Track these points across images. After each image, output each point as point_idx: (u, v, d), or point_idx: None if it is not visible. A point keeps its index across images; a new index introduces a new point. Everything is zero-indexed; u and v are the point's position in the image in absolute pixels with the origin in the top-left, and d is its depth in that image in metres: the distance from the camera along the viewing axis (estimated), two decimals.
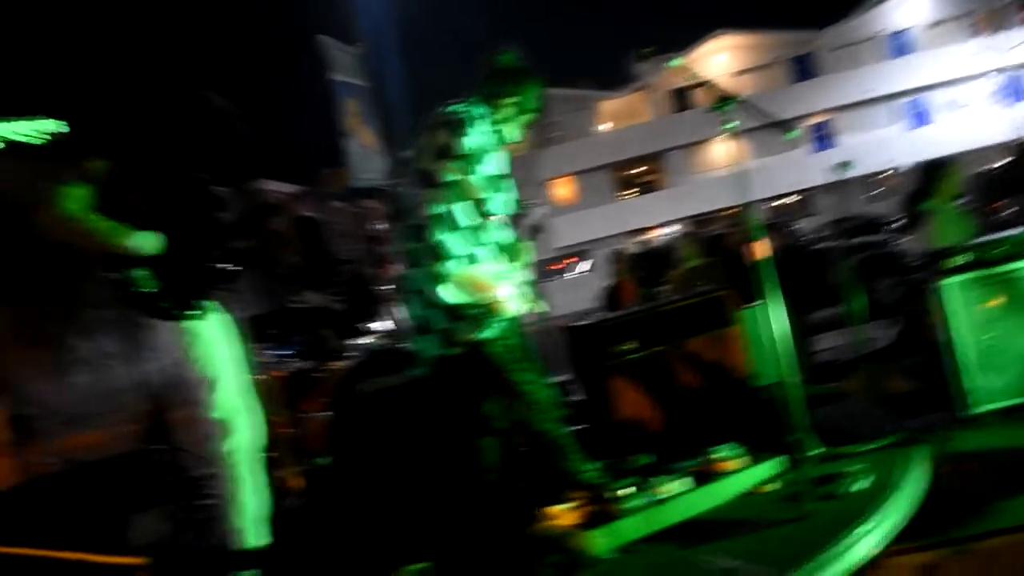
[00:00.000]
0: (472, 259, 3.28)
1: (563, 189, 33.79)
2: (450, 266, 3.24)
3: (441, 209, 3.23)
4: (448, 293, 3.25)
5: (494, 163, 3.35)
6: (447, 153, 3.24)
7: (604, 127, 35.43)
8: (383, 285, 5.45)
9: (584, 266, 31.62)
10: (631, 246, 24.58)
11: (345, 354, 4.76)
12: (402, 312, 5.21)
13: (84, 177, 3.06)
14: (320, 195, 5.97)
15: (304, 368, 4.49)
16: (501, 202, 3.36)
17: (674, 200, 32.03)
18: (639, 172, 34.66)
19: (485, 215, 3.29)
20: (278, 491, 3.39)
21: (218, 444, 3.19)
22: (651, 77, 33.89)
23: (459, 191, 3.24)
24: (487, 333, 3.29)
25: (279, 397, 3.61)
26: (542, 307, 3.65)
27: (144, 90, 3.29)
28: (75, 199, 3.02)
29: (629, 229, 31.62)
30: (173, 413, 4.97)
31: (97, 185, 3.05)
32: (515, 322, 3.40)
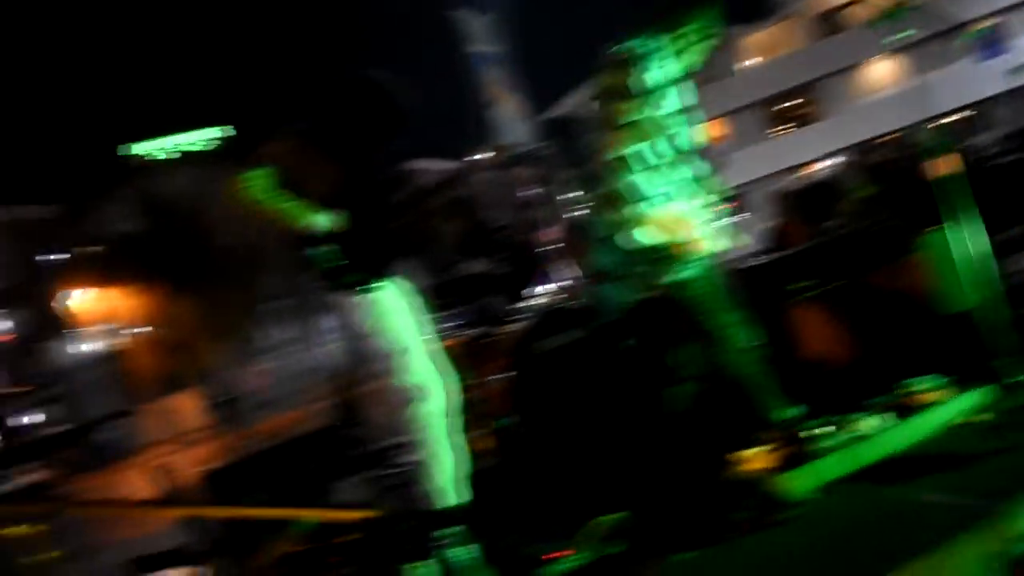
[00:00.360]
0: (662, 199, 3.19)
1: (712, 131, 32.78)
2: (640, 208, 3.16)
3: (626, 150, 3.16)
4: (639, 236, 3.18)
5: (675, 97, 3.24)
6: (626, 92, 3.16)
7: (749, 63, 34.04)
8: (542, 248, 5.49)
9: (743, 212, 30.65)
10: (791, 183, 23.61)
11: (514, 317, 4.84)
12: (567, 272, 5.25)
13: (266, 162, 3.20)
14: (474, 167, 6.05)
15: (477, 334, 4.60)
16: (686, 137, 3.25)
17: (833, 130, 30.44)
18: (792, 105, 33.15)
19: (671, 152, 3.20)
20: (469, 453, 3.50)
21: (412, 412, 3.32)
22: (795, 3, 32.26)
23: (643, 130, 3.16)
24: (681, 275, 3.20)
25: (459, 363, 3.72)
26: (736, 243, 3.52)
27: (312, 76, 3.44)
28: (259, 183, 3.17)
29: (786, 166, 30.35)
30: (362, 387, 5.22)
31: (279, 168, 3.19)
32: (709, 261, 3.29)
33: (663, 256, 3.17)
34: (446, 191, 4.03)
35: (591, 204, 3.35)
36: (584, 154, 3.32)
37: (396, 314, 3.34)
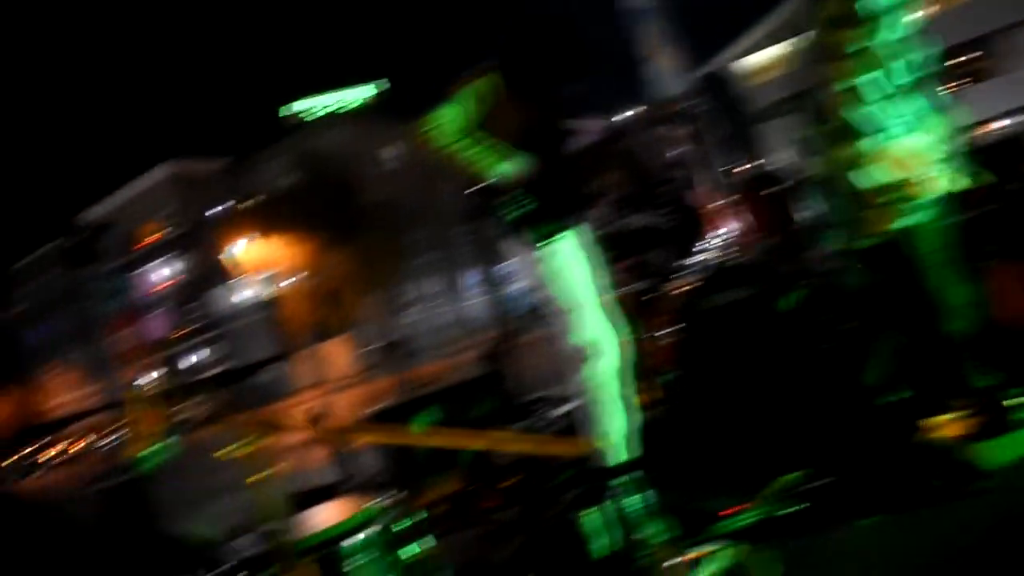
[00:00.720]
0: (890, 134, 2.95)
1: None
2: (866, 144, 2.94)
3: (849, 83, 2.95)
4: (865, 175, 2.96)
5: (900, 23, 3.01)
6: (848, 20, 2.94)
7: (921, 13, 31.83)
8: (709, 204, 5.37)
9: None
10: (966, 141, 22.01)
11: (680, 273, 4.75)
12: (735, 228, 5.11)
13: (460, 99, 3.13)
14: (636, 122, 5.97)
15: (643, 289, 4.54)
16: (912, 67, 3.00)
17: (1014, 86, 28.14)
18: (968, 59, 30.82)
19: (898, 83, 2.98)
20: (637, 407, 3.47)
21: (584, 367, 3.28)
22: None
23: (867, 60, 2.93)
24: (909, 220, 2.97)
25: (628, 317, 3.68)
26: (977, 181, 3.26)
27: (513, 19, 3.35)
28: (448, 123, 3.10)
29: (959, 126, 28.23)
30: (516, 339, 5.24)
31: (469, 107, 3.12)
32: (940, 204, 3.04)
33: (886, 199, 2.96)
34: (615, 144, 3.96)
35: (808, 143, 3.13)
36: (808, 86, 3.09)
37: (573, 267, 3.30)
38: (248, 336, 41.81)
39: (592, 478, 3.23)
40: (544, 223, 3.21)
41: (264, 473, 1.95)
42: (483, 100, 3.14)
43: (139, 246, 48.76)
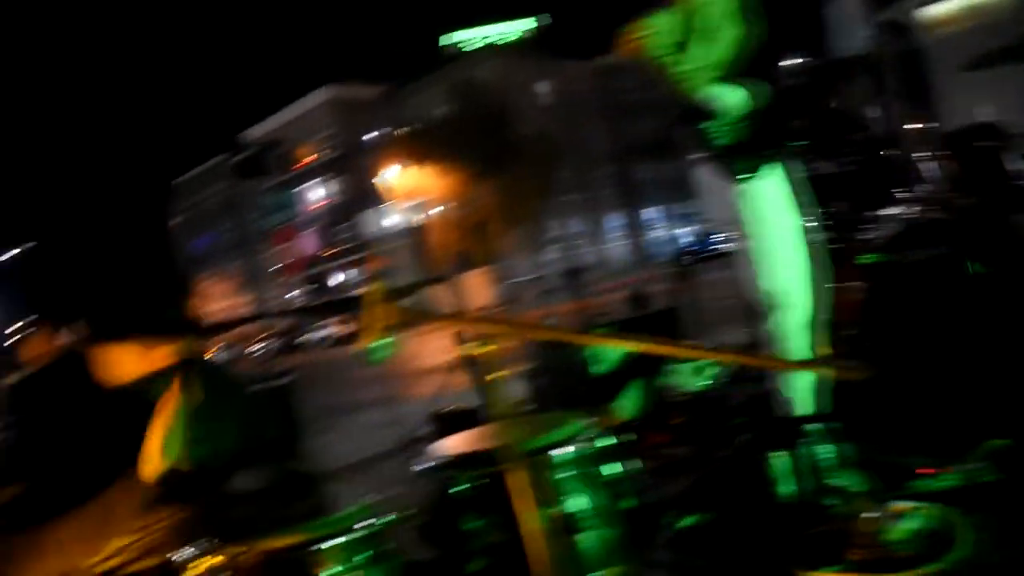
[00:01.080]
0: None
1: None
2: None
3: None
4: None
5: None
6: None
7: None
8: (903, 156, 5.08)
9: None
10: None
11: (869, 225, 4.54)
12: (931, 183, 4.83)
13: (681, 7, 2.84)
14: (824, 67, 5.69)
15: (835, 239, 4.37)
16: None
17: None
18: None
19: None
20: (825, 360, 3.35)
21: (768, 313, 3.14)
22: None
23: None
24: None
25: (819, 266, 3.54)
26: None
27: None
28: (663, 32, 2.83)
29: None
30: (693, 280, 5.15)
31: (695, 20, 2.84)
32: None
33: None
34: (812, 88, 3.77)
35: None
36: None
37: (771, 209, 3.12)
38: (394, 260, 43.09)
39: (778, 425, 3.17)
40: (749, 158, 3.03)
41: (489, 377, 1.99)
42: (708, 13, 2.90)
43: (298, 166, 50.79)
